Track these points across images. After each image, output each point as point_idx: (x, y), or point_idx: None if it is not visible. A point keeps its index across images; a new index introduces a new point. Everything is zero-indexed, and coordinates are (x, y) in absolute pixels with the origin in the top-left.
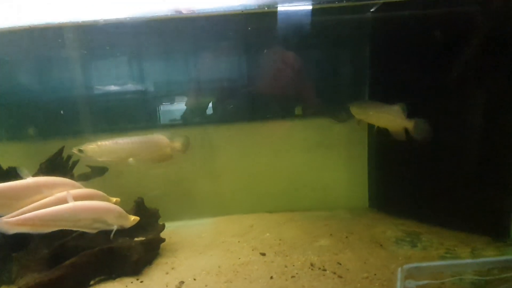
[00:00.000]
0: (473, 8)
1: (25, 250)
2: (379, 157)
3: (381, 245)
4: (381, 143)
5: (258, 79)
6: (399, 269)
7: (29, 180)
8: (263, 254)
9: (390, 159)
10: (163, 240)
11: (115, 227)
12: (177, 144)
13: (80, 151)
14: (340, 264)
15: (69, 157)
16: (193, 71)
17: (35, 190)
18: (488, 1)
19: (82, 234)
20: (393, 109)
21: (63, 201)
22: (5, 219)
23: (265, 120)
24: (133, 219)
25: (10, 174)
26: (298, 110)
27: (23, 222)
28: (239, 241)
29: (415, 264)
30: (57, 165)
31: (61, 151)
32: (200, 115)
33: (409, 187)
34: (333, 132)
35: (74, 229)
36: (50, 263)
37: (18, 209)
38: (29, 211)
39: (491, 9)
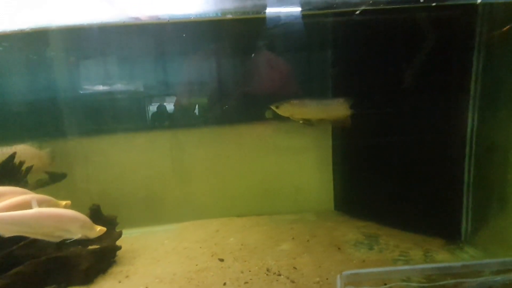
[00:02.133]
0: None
1: None
2: (343, 161)
3: (339, 248)
4: (344, 146)
5: (229, 82)
6: (338, 276)
7: None
8: (221, 260)
9: (353, 163)
10: (119, 248)
11: (77, 237)
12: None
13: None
14: (296, 268)
15: (22, 163)
16: (165, 74)
17: None
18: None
19: (31, 243)
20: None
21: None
22: None
23: (235, 123)
24: (99, 229)
25: None
26: (268, 114)
27: None
28: (200, 247)
29: (354, 271)
30: (9, 172)
31: (12, 157)
32: (171, 118)
33: (370, 189)
34: (303, 136)
35: (36, 236)
36: None
37: None
38: None
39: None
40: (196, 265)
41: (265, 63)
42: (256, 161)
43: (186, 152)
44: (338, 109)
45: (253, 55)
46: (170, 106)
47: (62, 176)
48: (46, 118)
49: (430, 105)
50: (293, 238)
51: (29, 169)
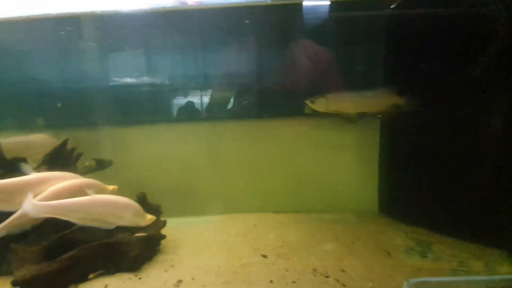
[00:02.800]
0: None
1: (24, 242)
2: (391, 160)
3: (388, 253)
4: (394, 143)
5: (269, 74)
6: (405, 283)
7: (31, 176)
8: (265, 256)
9: (403, 162)
10: (163, 236)
11: (129, 224)
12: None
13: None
14: (344, 271)
15: (73, 149)
16: (206, 66)
17: (37, 186)
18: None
19: (82, 228)
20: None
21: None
22: (34, 201)
23: (273, 117)
24: (149, 218)
25: (14, 165)
26: (308, 108)
27: (49, 209)
28: (241, 241)
29: (422, 279)
30: (61, 158)
31: (65, 143)
32: (209, 111)
33: (421, 193)
34: (343, 132)
35: (91, 223)
36: (48, 255)
37: (19, 204)
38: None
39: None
40: (240, 259)
41: (303, 53)
42: (293, 157)
43: (222, 145)
44: (381, 99)
45: (289, 44)
46: (207, 98)
47: (109, 163)
48: (96, 106)
49: (494, 103)
50: (336, 239)
51: (79, 155)
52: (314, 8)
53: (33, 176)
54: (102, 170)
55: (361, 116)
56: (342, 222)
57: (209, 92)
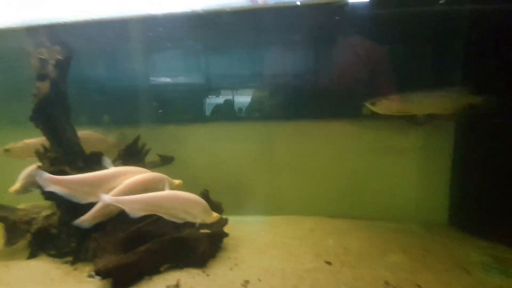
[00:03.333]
0: None
1: (103, 232)
2: (467, 167)
3: (466, 270)
4: (471, 150)
5: (325, 73)
6: None
7: (111, 170)
8: (329, 263)
9: (480, 170)
10: (226, 234)
11: (197, 220)
12: (111, 139)
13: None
14: (420, 286)
15: (143, 145)
16: (257, 65)
17: (114, 179)
18: None
19: (154, 222)
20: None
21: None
22: (108, 196)
23: (330, 118)
24: (215, 215)
25: (92, 159)
26: (366, 110)
27: (127, 203)
28: (300, 245)
29: None
30: (133, 153)
31: (137, 139)
32: (262, 110)
33: (501, 205)
34: (408, 136)
35: (164, 216)
36: (125, 246)
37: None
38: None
39: None
40: (302, 263)
41: (354, 50)
42: (350, 160)
43: (278, 145)
44: (453, 99)
45: (339, 41)
46: (262, 98)
47: (171, 159)
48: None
49: None
50: (403, 251)
51: (147, 151)
52: (382, 3)
53: (112, 170)
54: (165, 165)
55: (430, 118)
56: (407, 233)
57: (264, 92)
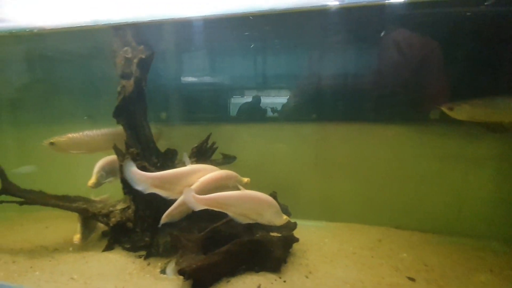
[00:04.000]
0: None
1: (178, 228)
2: None
3: None
4: None
5: (385, 74)
6: None
7: (187, 168)
8: (412, 279)
9: None
10: (297, 239)
11: (267, 222)
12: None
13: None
14: None
15: (213, 144)
16: (314, 66)
17: (190, 176)
18: None
19: (228, 222)
20: None
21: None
22: (193, 194)
23: (392, 121)
24: (285, 218)
25: (166, 155)
26: (434, 113)
27: (206, 202)
28: (372, 256)
29: None
30: (203, 151)
31: (208, 137)
32: (319, 111)
33: None
34: (482, 143)
35: (236, 216)
36: (202, 245)
37: (177, 192)
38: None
39: None
40: (382, 277)
41: (395, 46)
42: (415, 168)
43: (334, 148)
44: None
45: (382, 34)
46: (319, 99)
47: (233, 158)
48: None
49: None
50: (490, 270)
51: (214, 149)
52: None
53: (189, 167)
54: (227, 164)
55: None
56: (488, 250)
57: (321, 92)
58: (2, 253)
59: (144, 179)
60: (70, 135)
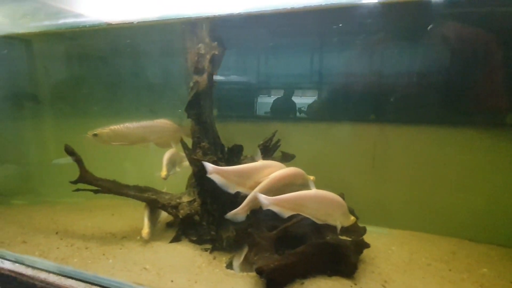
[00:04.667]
0: None
1: (247, 225)
2: None
3: None
4: None
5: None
6: None
7: (259, 163)
8: None
9: None
10: (368, 245)
11: (338, 224)
12: (186, 129)
13: None
14: None
15: (277, 141)
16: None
17: (261, 171)
18: None
19: (298, 222)
20: None
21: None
22: (264, 196)
23: (462, 125)
24: (352, 218)
25: (233, 151)
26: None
27: (279, 203)
28: (449, 269)
29: None
30: (268, 148)
31: (274, 135)
32: (374, 111)
33: None
34: None
35: (309, 216)
36: (275, 244)
37: (249, 187)
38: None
39: None
40: None
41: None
42: (491, 178)
43: (395, 151)
44: None
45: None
46: (376, 98)
47: (292, 156)
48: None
49: None
50: None
51: (277, 147)
52: None
53: (259, 163)
54: (286, 162)
55: None
56: None
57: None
58: (75, 239)
59: (225, 174)
60: (112, 127)
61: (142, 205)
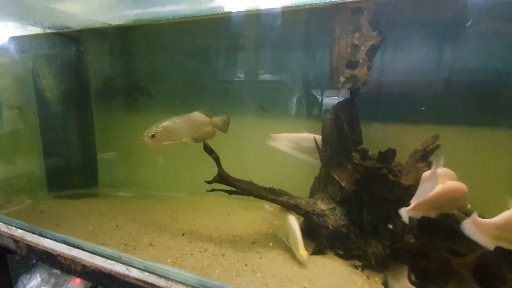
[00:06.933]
0: None
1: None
2: None
3: None
4: None
5: None
6: None
7: (438, 170)
8: None
9: None
10: None
11: None
12: (218, 122)
13: None
14: None
15: (436, 146)
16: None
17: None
18: None
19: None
20: None
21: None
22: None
23: None
24: None
25: (386, 155)
26: None
27: (491, 229)
28: None
29: None
30: (427, 153)
31: (436, 139)
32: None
33: None
34: None
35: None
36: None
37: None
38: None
39: None
40: None
41: None
42: None
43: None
44: None
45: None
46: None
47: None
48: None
49: None
50: None
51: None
52: None
53: (439, 170)
54: None
55: None
56: None
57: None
58: (206, 242)
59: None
60: (163, 124)
61: (252, 205)
